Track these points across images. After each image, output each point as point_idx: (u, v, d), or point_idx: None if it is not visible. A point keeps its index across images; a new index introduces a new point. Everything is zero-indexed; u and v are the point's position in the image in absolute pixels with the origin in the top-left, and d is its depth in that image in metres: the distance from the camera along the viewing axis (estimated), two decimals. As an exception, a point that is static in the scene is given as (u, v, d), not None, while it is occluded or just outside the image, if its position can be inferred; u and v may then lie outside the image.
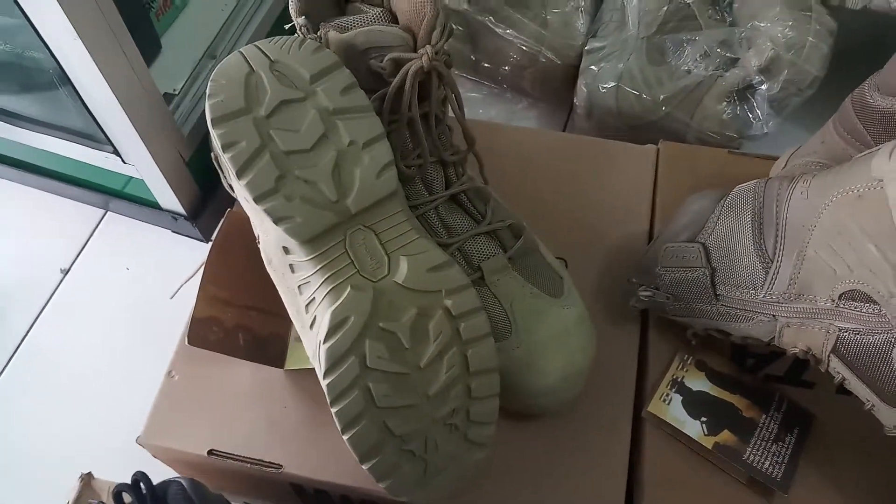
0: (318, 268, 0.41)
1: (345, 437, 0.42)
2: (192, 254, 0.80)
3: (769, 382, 0.53)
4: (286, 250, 0.42)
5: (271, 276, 0.45)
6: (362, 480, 0.49)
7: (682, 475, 0.49)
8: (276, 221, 0.40)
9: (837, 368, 0.45)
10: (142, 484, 0.37)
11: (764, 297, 0.46)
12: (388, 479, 0.44)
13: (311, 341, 0.43)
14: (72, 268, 0.79)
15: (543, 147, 0.67)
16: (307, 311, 0.43)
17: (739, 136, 0.73)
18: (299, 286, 0.43)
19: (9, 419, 0.71)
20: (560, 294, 0.49)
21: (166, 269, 0.75)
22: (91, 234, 0.83)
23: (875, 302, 0.41)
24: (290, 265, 0.42)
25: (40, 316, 0.77)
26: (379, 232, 0.42)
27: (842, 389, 0.52)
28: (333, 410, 0.41)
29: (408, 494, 0.45)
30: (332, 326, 0.40)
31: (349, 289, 0.41)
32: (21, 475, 0.69)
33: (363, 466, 0.43)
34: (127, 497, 0.38)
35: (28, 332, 0.76)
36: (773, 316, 0.46)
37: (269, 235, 0.43)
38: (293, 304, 0.44)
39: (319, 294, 0.41)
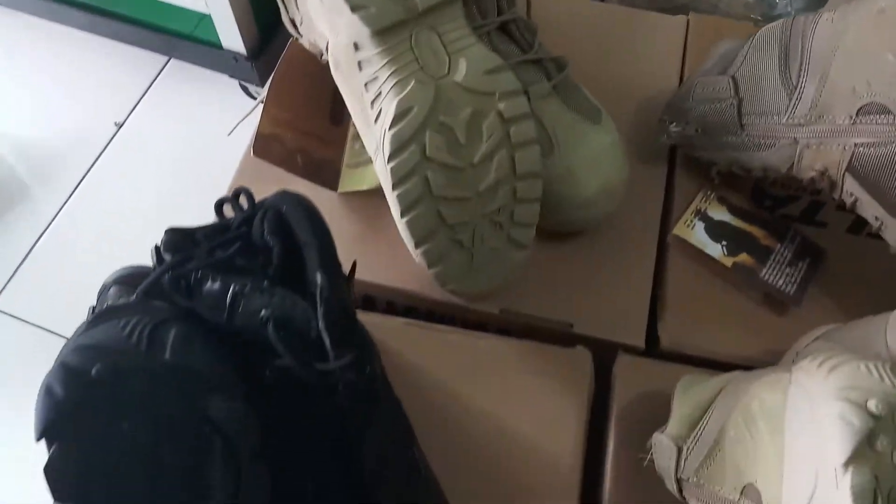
0: (386, 62, 0.45)
1: (403, 220, 0.46)
2: (248, 103, 0.83)
3: (785, 220, 0.57)
4: (356, 47, 0.46)
5: (337, 83, 0.49)
6: (411, 283, 0.54)
7: (702, 295, 0.54)
8: (353, 9, 0.44)
9: (851, 189, 0.50)
10: (243, 196, 0.38)
11: (786, 121, 0.50)
12: (437, 266, 0.48)
13: (375, 134, 0.47)
14: (126, 122, 0.83)
15: (575, 14, 0.70)
16: (372, 107, 0.47)
17: (765, 19, 0.77)
18: (366, 84, 0.47)
19: (56, 272, 0.75)
20: (599, 122, 0.53)
21: (221, 121, 0.78)
22: (147, 88, 0.86)
23: (890, 112, 0.45)
24: (359, 62, 0.46)
25: (91, 170, 0.81)
26: (442, 34, 0.46)
27: (852, 227, 0.57)
28: (395, 193, 0.46)
29: (454, 283, 0.50)
30: (398, 114, 0.45)
31: (414, 82, 0.45)
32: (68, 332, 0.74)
33: (417, 251, 0.48)
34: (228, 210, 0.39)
35: (78, 185, 0.79)
36: (794, 139, 0.50)
37: (339, 35, 0.47)
38: (358, 103, 0.48)
39: (386, 87, 0.45)
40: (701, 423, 0.43)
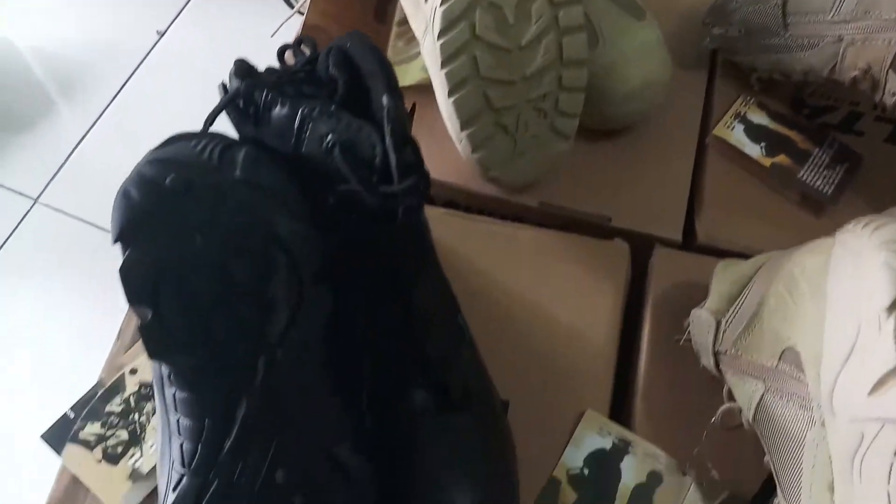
0: (439, -61, 0.46)
1: (450, 100, 0.47)
2: (289, 12, 0.83)
3: (824, 128, 0.57)
4: (411, -75, 0.47)
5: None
6: (452, 175, 0.55)
7: (739, 193, 0.55)
8: None
9: (894, 88, 0.50)
10: (305, 44, 0.39)
11: (832, 18, 0.50)
12: (481, 151, 0.49)
13: (425, 14, 0.48)
14: (168, 30, 0.84)
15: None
16: (424, -13, 0.48)
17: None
18: (418, -37, 0.48)
19: (99, 170, 0.76)
20: (643, 18, 0.54)
21: (262, 28, 0.78)
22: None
23: (939, 1, 0.45)
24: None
25: (133, 76, 0.81)
26: (494, -87, 0.47)
27: (889, 138, 0.57)
28: (444, 72, 0.47)
29: (497, 169, 0.51)
30: (449, -9, 0.45)
31: (465, -39, 0.46)
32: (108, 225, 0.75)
33: (462, 134, 0.49)
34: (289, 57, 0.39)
35: (121, 89, 0.80)
36: (839, 37, 0.50)
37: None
38: (410, -15, 0.49)
39: (437, -35, 0.46)
40: (740, 297, 0.44)
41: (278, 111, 0.33)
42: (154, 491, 0.45)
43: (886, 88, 0.51)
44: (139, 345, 0.49)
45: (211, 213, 0.31)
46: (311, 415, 0.35)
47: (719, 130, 0.56)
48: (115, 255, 0.74)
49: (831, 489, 0.36)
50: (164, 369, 0.32)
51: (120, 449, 0.45)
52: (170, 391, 0.34)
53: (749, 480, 0.45)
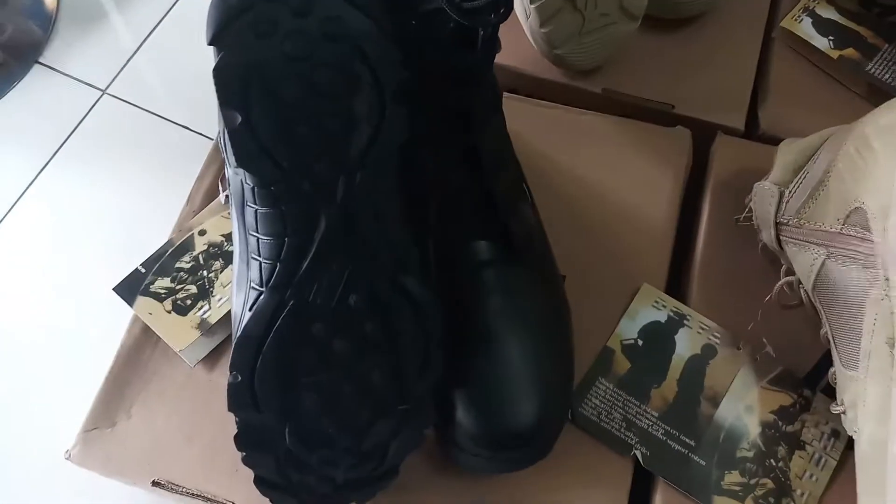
0: None
1: None
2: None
3: (894, 25, 0.56)
4: None
5: None
6: (514, 60, 0.54)
7: (805, 84, 0.54)
8: None
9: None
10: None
11: None
12: (549, 25, 0.49)
13: None
14: None
15: None
16: None
17: None
18: None
19: (167, 62, 0.76)
20: None
21: None
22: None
23: None
24: None
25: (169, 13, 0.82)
26: None
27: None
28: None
29: (563, 46, 0.51)
30: None
31: None
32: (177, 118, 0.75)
33: (531, 7, 0.49)
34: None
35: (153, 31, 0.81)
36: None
37: None
38: None
39: None
40: (805, 167, 0.44)
41: None
42: (220, 346, 0.47)
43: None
44: (208, 209, 0.50)
45: (301, 21, 0.31)
46: (384, 241, 0.35)
47: (787, 22, 0.55)
48: (178, 143, 0.76)
49: (891, 343, 0.36)
50: (248, 184, 0.33)
51: (189, 301, 0.47)
52: (251, 210, 0.35)
53: (803, 358, 0.46)
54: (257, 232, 0.35)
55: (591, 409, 0.44)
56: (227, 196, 0.51)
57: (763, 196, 0.45)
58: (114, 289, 0.48)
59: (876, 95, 0.53)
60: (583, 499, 0.42)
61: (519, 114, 0.53)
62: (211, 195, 0.52)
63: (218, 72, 0.31)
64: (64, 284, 0.71)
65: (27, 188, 0.71)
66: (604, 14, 0.50)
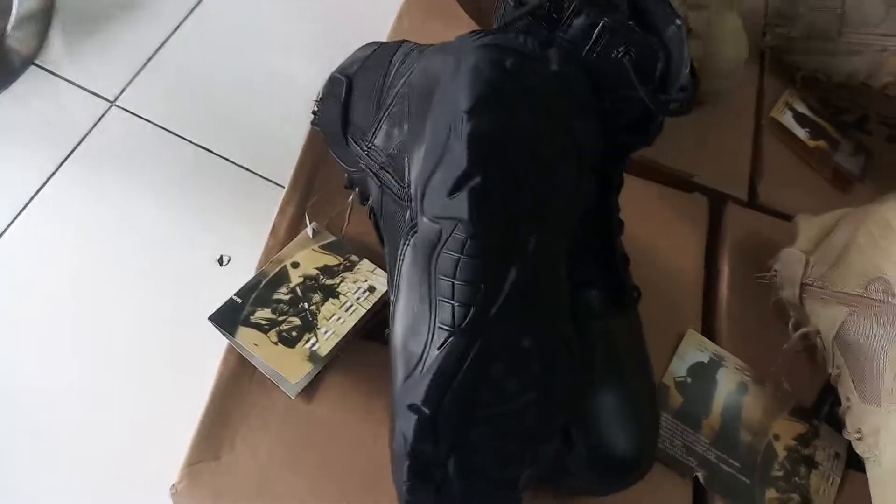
0: None
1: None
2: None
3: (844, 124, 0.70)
4: None
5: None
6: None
7: (792, 169, 0.66)
8: None
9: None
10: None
11: (880, 30, 0.62)
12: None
13: None
14: None
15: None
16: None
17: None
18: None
19: (180, 74, 0.72)
20: (733, 10, 0.63)
21: None
22: None
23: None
24: None
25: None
26: None
27: (888, 138, 0.71)
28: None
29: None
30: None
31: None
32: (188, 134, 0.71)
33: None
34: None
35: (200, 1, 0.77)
36: (884, 47, 0.63)
37: None
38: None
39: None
40: (826, 239, 0.54)
41: (582, 20, 0.38)
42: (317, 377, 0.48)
43: (907, 89, 0.64)
44: (295, 242, 0.51)
45: (534, 97, 0.35)
46: (554, 292, 0.40)
47: (775, 113, 0.67)
48: (185, 158, 0.74)
49: (911, 384, 0.47)
50: (455, 233, 0.36)
51: (294, 333, 0.48)
52: (449, 257, 0.37)
53: (806, 393, 0.56)
54: (454, 277, 0.38)
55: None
56: (314, 230, 0.52)
57: (790, 260, 0.55)
58: (209, 318, 0.47)
59: (839, 182, 0.66)
60: (659, 516, 0.49)
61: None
62: (295, 226, 0.52)
63: (472, 137, 0.34)
64: (85, 302, 0.64)
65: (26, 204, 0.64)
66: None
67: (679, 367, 0.54)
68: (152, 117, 0.69)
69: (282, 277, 0.50)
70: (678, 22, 0.39)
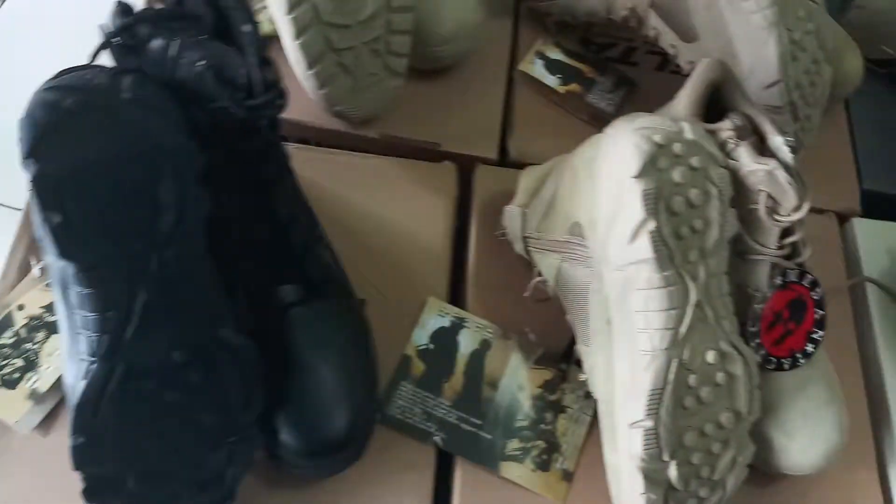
0: None
1: (296, 43, 0.55)
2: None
3: (606, 60, 0.70)
4: None
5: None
6: (302, 114, 0.62)
7: (544, 120, 0.67)
8: None
9: (654, 24, 0.63)
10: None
11: (603, -33, 0.62)
12: (325, 88, 0.57)
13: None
14: None
15: None
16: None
17: None
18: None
19: None
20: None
21: None
22: None
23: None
24: None
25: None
26: None
27: (658, 67, 0.71)
28: (289, 18, 0.54)
29: (341, 103, 0.59)
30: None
31: None
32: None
33: (308, 73, 0.56)
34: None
35: None
36: (609, -17, 0.63)
37: None
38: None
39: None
40: (539, 191, 0.55)
41: (157, 43, 0.39)
42: (51, 411, 0.51)
43: (648, 24, 0.63)
44: (23, 283, 0.53)
45: (105, 128, 0.37)
46: (199, 301, 0.42)
47: (523, 65, 0.67)
48: None
49: (608, 322, 0.48)
50: (70, 270, 0.38)
51: (17, 375, 0.50)
52: (74, 291, 0.39)
53: (558, 340, 0.57)
54: (82, 309, 0.40)
55: (396, 409, 0.53)
56: (41, 269, 0.54)
57: (511, 217, 0.56)
58: (-65, 373, 0.50)
59: (597, 120, 0.66)
60: (396, 484, 0.51)
61: (311, 162, 0.60)
62: (24, 268, 0.54)
63: (36, 181, 0.35)
64: None
65: None
66: (372, 74, 0.58)
67: (421, 336, 0.56)
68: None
69: (7, 322, 0.52)
70: (248, 26, 0.39)
